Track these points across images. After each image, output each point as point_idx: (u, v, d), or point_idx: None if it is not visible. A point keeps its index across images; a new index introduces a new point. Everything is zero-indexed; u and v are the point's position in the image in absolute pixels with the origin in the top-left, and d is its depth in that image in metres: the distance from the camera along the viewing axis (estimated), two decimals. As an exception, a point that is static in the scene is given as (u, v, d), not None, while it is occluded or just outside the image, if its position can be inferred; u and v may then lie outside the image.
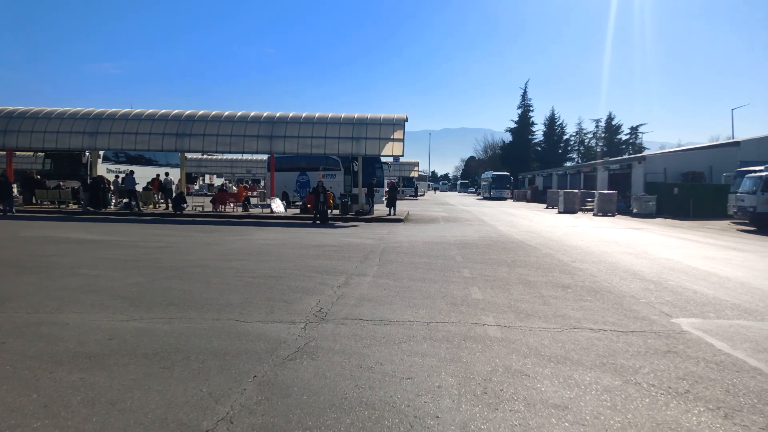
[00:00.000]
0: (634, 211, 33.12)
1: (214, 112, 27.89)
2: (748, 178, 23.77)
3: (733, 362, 5.31)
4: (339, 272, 10.17)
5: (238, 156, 60.02)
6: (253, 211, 28.43)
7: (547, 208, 42.78)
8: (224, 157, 61.59)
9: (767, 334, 6.38)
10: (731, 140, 47.54)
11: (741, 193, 23.87)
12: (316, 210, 23.44)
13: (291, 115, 27.50)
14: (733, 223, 26.13)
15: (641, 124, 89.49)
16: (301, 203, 30.94)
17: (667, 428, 3.82)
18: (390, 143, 26.05)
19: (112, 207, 27.63)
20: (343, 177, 33.99)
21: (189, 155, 48.39)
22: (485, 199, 68.51)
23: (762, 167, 25.58)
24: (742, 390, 4.58)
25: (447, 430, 3.73)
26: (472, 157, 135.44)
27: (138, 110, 28.22)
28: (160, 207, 29.13)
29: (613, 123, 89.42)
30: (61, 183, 29.40)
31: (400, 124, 26.34)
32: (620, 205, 35.27)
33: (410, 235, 17.90)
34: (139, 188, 28.12)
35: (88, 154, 31.04)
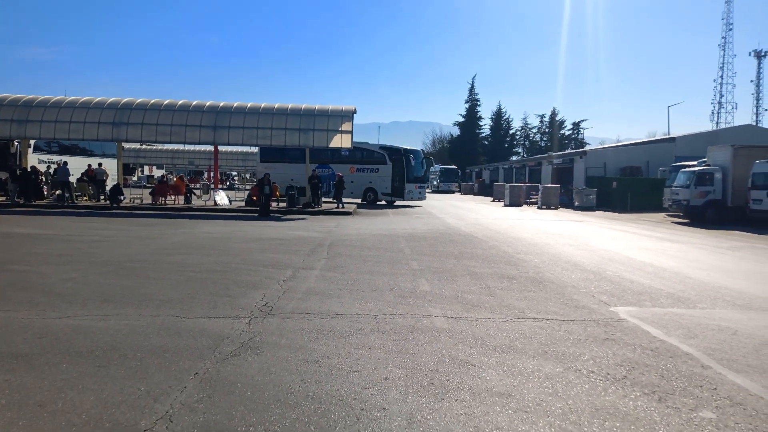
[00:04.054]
0: (576, 204, 34.27)
1: (153, 101, 26.80)
2: (683, 172, 24.98)
3: (667, 348, 5.55)
4: (286, 266, 10.01)
5: (180, 146, 58.06)
6: (196, 203, 27.64)
7: (493, 201, 43.66)
8: (165, 148, 59.34)
9: (699, 321, 6.71)
10: (667, 136, 49.99)
11: (676, 186, 25.06)
12: (261, 202, 23.02)
13: (236, 105, 26.83)
14: (668, 215, 27.41)
15: (583, 120, 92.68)
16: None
17: (605, 413, 3.94)
18: (338, 135, 25.84)
19: (44, 199, 26.22)
20: (391, 171, 32.64)
21: (127, 145, 46.47)
22: (433, 192, 69.25)
23: (695, 162, 26.95)
24: (675, 374, 4.79)
25: (393, 422, 3.71)
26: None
27: (72, 98, 26.80)
28: (94, 199, 27.84)
29: (557, 119, 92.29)
30: (-14, 174, 27.67)
31: (348, 116, 26.18)
32: (563, 198, 36.40)
33: (359, 228, 17.85)
34: (73, 179, 26.77)
35: (17, 143, 29.30)
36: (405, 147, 34.71)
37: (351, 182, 31.98)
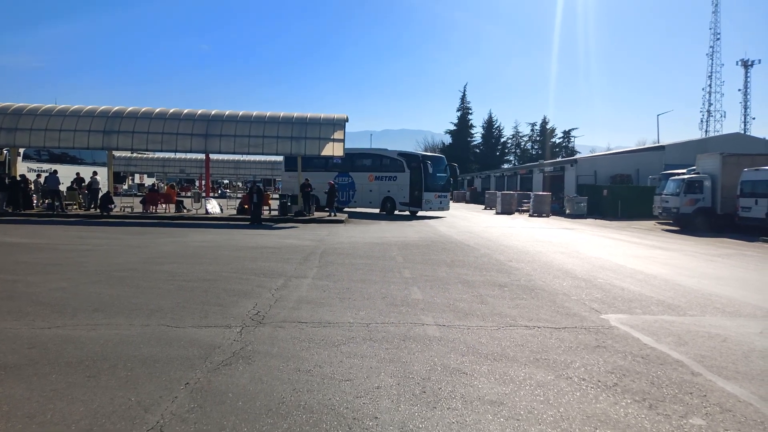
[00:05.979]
0: (567, 211, 34.45)
1: (144, 109, 26.73)
2: (672, 180, 25.19)
3: (658, 355, 5.58)
4: (277, 274, 9.98)
5: (171, 155, 57.81)
6: (186, 212, 27.52)
7: (485, 209, 43.80)
8: (156, 156, 59.12)
9: (689, 328, 6.75)
10: (657, 144, 50.47)
11: (665, 194, 25.26)
12: (251, 210, 23.02)
13: (227, 113, 26.81)
14: (658, 223, 27.62)
15: (573, 128, 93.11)
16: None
17: (596, 420, 3.96)
18: (330, 143, 25.89)
19: (34, 208, 26.01)
20: (409, 179, 30.08)
21: (117, 153, 46.26)
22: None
23: (685, 170, 27.19)
24: (665, 381, 4.82)
25: (386, 431, 3.71)
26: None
27: (62, 106, 26.68)
28: (84, 208, 27.62)
29: (548, 127, 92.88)
30: (-26, 183, 27.36)
31: (340, 124, 26.23)
32: (554, 206, 36.57)
33: (351, 237, 17.84)
34: (63, 188, 26.60)
35: (6, 151, 29.08)
36: (424, 153, 33.61)
37: (369, 191, 31.10)
